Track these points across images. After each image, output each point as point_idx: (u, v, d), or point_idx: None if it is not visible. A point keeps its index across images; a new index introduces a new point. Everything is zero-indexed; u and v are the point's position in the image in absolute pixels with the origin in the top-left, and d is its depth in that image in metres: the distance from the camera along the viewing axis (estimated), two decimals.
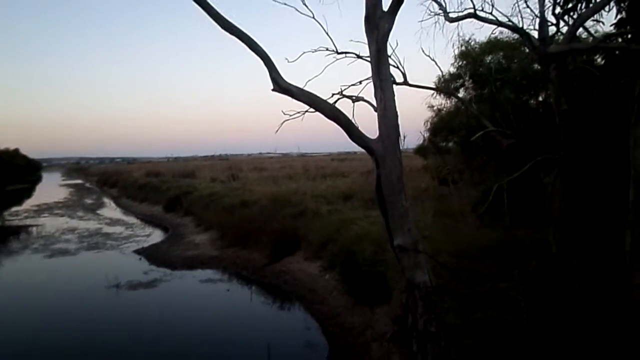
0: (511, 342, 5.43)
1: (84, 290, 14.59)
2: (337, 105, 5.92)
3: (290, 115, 5.71)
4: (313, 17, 5.61)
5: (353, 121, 5.37)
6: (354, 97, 6.17)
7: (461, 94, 15.75)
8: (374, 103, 5.45)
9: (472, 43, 14.36)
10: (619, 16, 6.63)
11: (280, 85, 4.82)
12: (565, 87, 6.56)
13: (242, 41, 4.76)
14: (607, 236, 7.37)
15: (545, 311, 5.75)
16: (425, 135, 18.23)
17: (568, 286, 5.93)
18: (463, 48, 14.48)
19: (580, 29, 7.16)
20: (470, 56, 14.31)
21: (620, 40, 6.77)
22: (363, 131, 5.23)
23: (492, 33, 12.24)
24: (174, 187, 34.32)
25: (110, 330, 11.14)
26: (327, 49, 6.32)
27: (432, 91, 15.37)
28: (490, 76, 12.74)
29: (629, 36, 6.56)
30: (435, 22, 7.84)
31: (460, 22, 7.66)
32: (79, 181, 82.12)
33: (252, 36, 4.83)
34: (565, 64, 6.86)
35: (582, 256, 6.51)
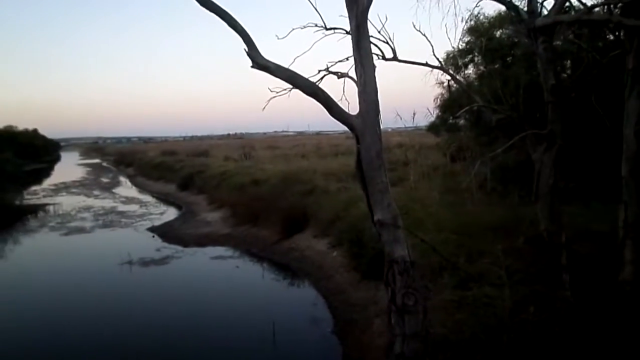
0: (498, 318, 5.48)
1: (97, 267, 14.95)
2: (324, 82, 5.94)
3: (277, 93, 5.69)
4: None
5: (343, 97, 5.35)
6: (339, 74, 6.12)
7: (471, 69, 15.52)
8: None
9: (481, 17, 14.06)
10: None
11: (258, 63, 4.80)
12: (554, 62, 6.44)
13: (220, 17, 4.72)
14: (599, 212, 7.29)
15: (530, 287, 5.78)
16: (435, 112, 18.09)
17: (555, 262, 5.93)
18: (472, 23, 14.23)
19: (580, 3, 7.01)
20: (478, 31, 14.02)
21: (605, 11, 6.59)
22: (353, 108, 5.20)
23: (475, 6, 11.60)
24: (187, 165, 34.65)
25: (120, 307, 11.45)
26: (315, 25, 6.26)
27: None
28: (499, 51, 12.51)
29: (616, 7, 6.38)
30: None
31: None
32: (96, 160, 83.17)
33: (231, 13, 4.76)
34: (553, 38, 6.72)
35: (571, 232, 6.47)
